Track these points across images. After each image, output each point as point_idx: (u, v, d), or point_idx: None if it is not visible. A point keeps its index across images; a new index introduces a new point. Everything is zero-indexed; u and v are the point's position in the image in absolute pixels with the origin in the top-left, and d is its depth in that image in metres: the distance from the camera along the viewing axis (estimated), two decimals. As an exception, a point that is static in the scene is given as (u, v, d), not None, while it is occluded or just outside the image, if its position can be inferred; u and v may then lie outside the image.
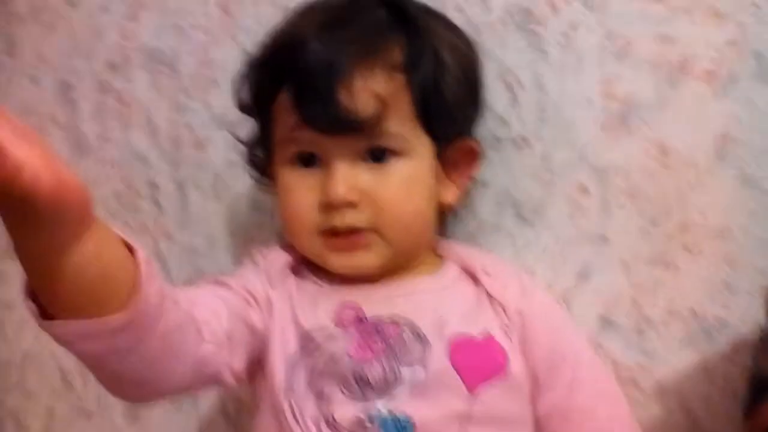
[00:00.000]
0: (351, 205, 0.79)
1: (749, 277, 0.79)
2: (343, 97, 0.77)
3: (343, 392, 0.77)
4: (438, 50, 0.83)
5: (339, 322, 0.81)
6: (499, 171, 0.91)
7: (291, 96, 0.79)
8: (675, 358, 0.83)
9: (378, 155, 0.80)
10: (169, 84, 1.17)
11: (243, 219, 1.11)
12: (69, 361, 1.32)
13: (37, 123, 1.34)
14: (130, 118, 1.21)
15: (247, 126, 0.93)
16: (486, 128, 0.91)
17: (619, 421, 0.82)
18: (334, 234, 0.81)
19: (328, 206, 0.80)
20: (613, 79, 0.84)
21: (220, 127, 1.10)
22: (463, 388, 0.77)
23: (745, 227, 0.79)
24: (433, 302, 0.82)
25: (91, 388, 1.28)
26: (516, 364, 0.80)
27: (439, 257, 0.89)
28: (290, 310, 0.83)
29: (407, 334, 0.79)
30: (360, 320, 0.81)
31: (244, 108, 0.90)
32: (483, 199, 0.93)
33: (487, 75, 0.90)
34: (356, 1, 0.85)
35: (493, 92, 0.90)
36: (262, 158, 0.91)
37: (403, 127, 0.80)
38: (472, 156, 0.88)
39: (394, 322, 0.80)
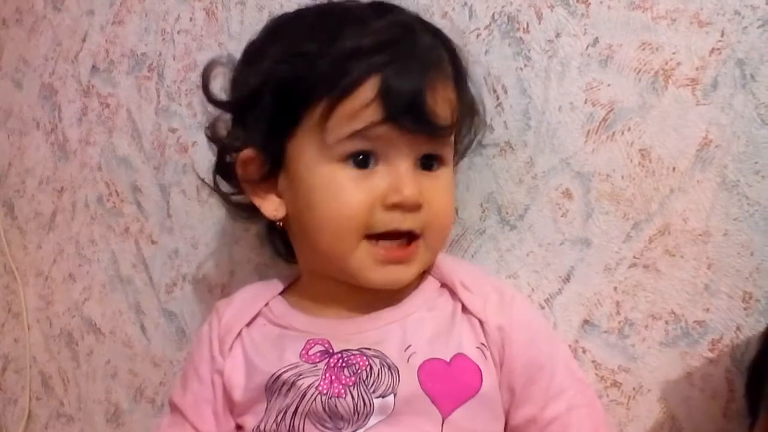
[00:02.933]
0: (417, 208, 0.79)
1: (730, 280, 0.80)
2: (429, 100, 0.78)
3: (316, 427, 0.78)
4: (464, 72, 0.88)
5: (307, 358, 0.81)
6: (484, 176, 0.92)
7: (382, 89, 0.77)
8: (656, 360, 0.84)
9: (429, 163, 0.82)
10: (154, 88, 1.17)
11: (227, 223, 1.11)
12: (50, 365, 1.32)
13: (20, 126, 1.34)
14: (113, 121, 1.22)
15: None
16: (471, 133, 0.92)
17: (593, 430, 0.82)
18: (383, 238, 0.80)
19: (396, 207, 0.78)
20: (597, 85, 0.85)
21: (204, 130, 1.10)
22: (437, 412, 0.77)
23: (725, 231, 0.80)
24: (400, 331, 0.82)
25: (72, 393, 1.28)
26: (490, 381, 0.80)
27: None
28: (245, 366, 0.85)
29: (376, 364, 0.79)
30: (328, 354, 0.81)
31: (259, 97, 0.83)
32: (467, 204, 0.93)
33: (472, 81, 0.91)
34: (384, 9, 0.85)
35: (478, 98, 0.91)
36: (261, 160, 0.85)
37: (452, 137, 0.84)
38: None
39: (363, 354, 0.80)
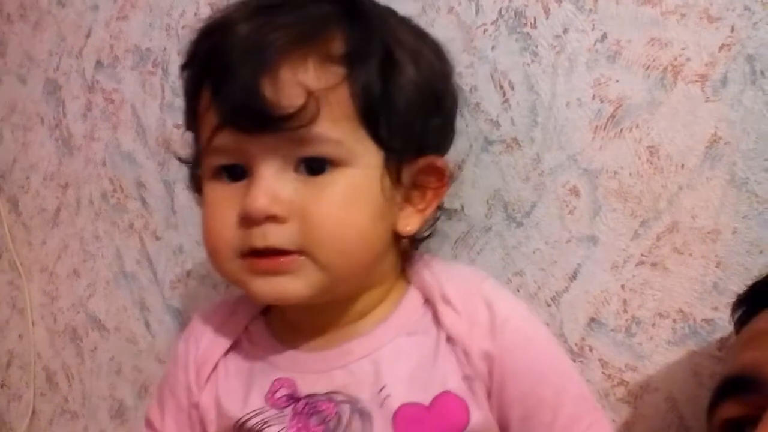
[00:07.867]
0: (274, 219, 0.69)
1: (738, 278, 0.79)
2: (267, 89, 0.66)
3: None
4: (391, 49, 0.73)
5: (273, 402, 0.75)
6: (490, 172, 0.91)
7: (210, 90, 0.69)
8: (663, 359, 0.83)
9: (315, 167, 0.70)
10: (158, 83, 1.17)
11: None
12: (54, 361, 1.31)
13: (24, 122, 1.34)
14: (118, 117, 1.22)
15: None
16: (477, 130, 0.91)
17: None
18: (255, 255, 0.71)
19: (247, 221, 0.69)
20: (605, 81, 0.84)
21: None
22: None
23: (734, 229, 0.79)
24: (373, 368, 0.74)
25: (76, 389, 1.28)
26: (479, 414, 0.72)
27: (405, 282, 0.81)
28: (215, 406, 0.79)
29: (345, 412, 0.72)
30: (294, 399, 0.75)
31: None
32: (473, 201, 0.92)
33: (478, 77, 0.91)
34: None
35: (485, 94, 0.91)
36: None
37: (340, 130, 0.69)
38: (440, 179, 0.78)
39: (331, 399, 0.73)
